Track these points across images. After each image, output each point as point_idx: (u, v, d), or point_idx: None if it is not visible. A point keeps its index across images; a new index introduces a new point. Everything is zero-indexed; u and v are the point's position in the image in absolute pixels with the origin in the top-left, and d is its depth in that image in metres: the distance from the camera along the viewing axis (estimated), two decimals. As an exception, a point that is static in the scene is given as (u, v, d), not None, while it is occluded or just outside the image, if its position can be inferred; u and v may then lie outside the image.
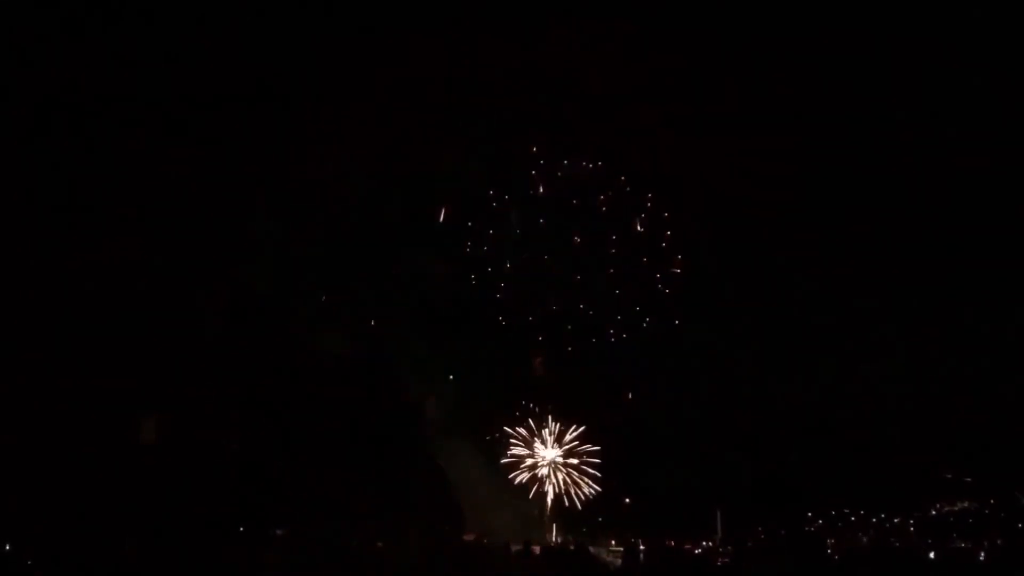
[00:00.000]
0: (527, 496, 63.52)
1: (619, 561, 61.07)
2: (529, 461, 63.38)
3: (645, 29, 63.07)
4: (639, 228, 67.31)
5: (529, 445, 63.50)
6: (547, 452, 63.24)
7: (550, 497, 63.24)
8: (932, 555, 59.26)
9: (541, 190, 67.57)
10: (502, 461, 63.62)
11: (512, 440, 63.67)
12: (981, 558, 58.37)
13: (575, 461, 63.55)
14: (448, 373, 63.31)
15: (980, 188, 61.68)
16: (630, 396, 65.65)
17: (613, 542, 63.52)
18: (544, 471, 63.23)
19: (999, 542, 59.76)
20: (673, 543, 62.49)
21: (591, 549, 61.25)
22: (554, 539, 63.41)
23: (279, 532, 58.57)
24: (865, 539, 62.86)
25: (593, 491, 63.18)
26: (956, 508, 63.31)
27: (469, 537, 61.01)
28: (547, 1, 63.93)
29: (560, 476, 63.30)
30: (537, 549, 60.15)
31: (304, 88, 63.08)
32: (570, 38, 64.61)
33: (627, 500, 64.28)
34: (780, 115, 64.46)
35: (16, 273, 58.40)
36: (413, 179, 64.80)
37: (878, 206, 64.74)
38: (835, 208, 65.25)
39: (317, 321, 62.78)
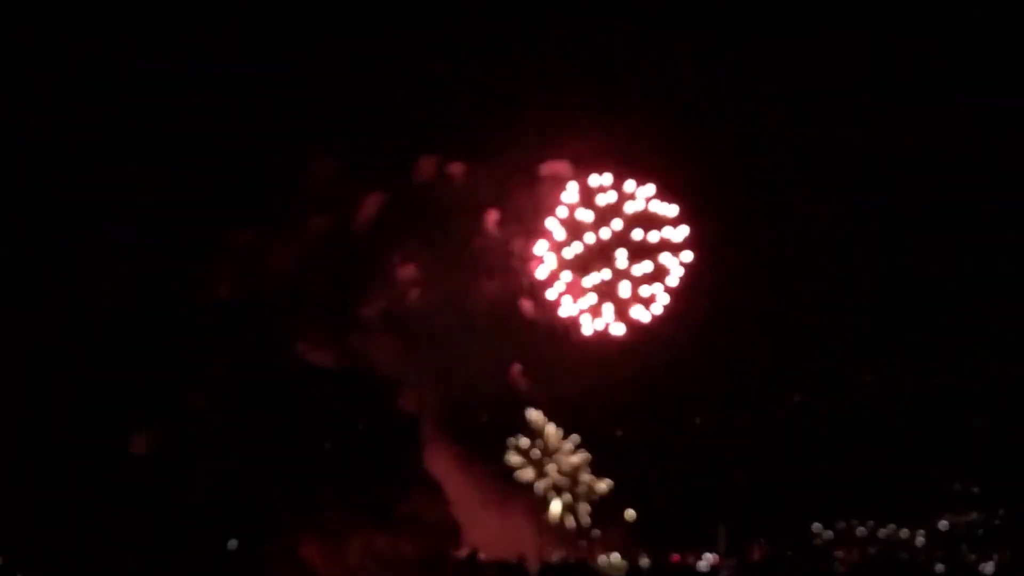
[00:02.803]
0: (522, 511, 62.16)
1: (621, 576, 60.70)
2: (525, 474, 62.26)
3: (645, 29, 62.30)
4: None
5: (523, 458, 62.40)
6: (543, 465, 62.19)
7: (547, 511, 62.10)
8: (940, 567, 58.87)
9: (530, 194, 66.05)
10: (495, 473, 62.35)
11: (505, 452, 62.47)
12: (990, 570, 57.91)
13: (574, 471, 62.45)
14: (439, 384, 62.48)
15: (994, 190, 61.07)
16: (627, 404, 64.59)
17: (615, 556, 62.59)
18: (540, 484, 62.12)
19: (1008, 554, 59.08)
20: (678, 557, 61.73)
21: (591, 564, 60.67)
22: (553, 554, 62.23)
23: (273, 546, 58.07)
24: (873, 552, 61.96)
25: (592, 504, 61.97)
26: (964, 520, 62.59)
27: (463, 553, 60.01)
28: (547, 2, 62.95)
29: (557, 489, 62.21)
30: (536, 564, 59.80)
31: (297, 88, 62.04)
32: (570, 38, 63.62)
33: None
34: (781, 116, 63.23)
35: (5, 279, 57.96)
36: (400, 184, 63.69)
37: (886, 207, 63.56)
38: (839, 207, 64.03)
39: (307, 333, 62.08)
